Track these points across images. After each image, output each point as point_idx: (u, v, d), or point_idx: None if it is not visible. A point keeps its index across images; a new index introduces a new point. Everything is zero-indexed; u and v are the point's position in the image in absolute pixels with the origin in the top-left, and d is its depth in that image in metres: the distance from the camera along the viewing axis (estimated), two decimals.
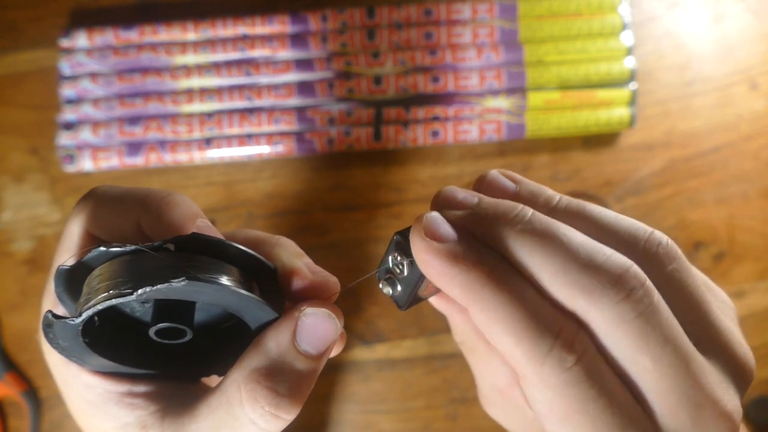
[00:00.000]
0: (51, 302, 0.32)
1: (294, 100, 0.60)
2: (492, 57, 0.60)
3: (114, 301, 0.26)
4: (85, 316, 0.26)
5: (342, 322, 0.30)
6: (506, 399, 0.36)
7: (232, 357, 0.30)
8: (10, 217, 0.61)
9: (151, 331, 0.29)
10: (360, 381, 0.58)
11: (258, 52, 0.60)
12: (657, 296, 0.25)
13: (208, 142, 0.59)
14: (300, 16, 0.61)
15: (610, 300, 0.25)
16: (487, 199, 0.28)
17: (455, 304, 0.33)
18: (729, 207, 0.60)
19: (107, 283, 0.26)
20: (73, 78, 0.60)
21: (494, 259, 0.26)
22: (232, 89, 0.60)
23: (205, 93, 0.60)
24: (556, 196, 0.30)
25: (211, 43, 0.60)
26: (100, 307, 0.26)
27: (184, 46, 0.60)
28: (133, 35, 0.60)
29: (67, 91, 0.60)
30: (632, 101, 0.59)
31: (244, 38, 0.61)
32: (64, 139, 0.59)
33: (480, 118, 0.59)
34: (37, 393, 0.59)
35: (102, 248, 0.27)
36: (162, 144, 0.59)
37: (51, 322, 0.27)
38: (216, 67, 0.60)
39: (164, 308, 0.29)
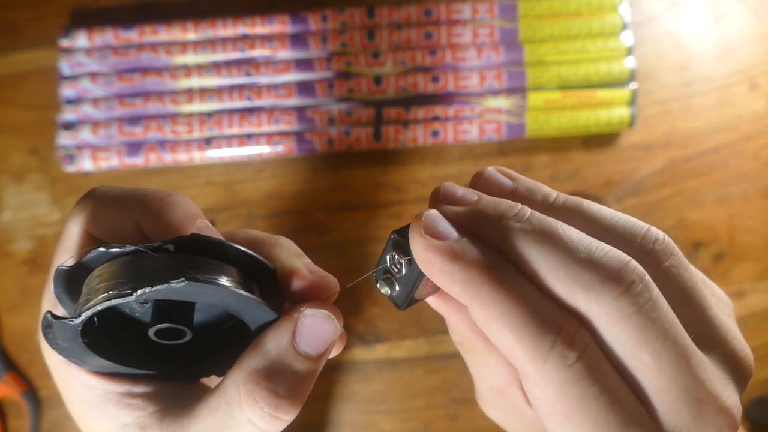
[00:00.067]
0: (50, 302, 0.32)
1: (294, 100, 0.60)
2: (492, 57, 0.60)
3: (113, 302, 0.26)
4: (84, 316, 0.26)
5: (341, 323, 0.30)
6: (505, 399, 0.35)
7: (231, 358, 0.30)
8: (10, 217, 0.61)
9: (151, 332, 0.29)
10: (360, 381, 0.58)
11: (258, 52, 0.60)
12: (656, 291, 0.25)
13: (208, 142, 0.59)
14: (300, 16, 0.61)
15: (609, 294, 0.25)
16: (487, 198, 0.28)
17: (453, 304, 0.33)
18: (729, 207, 0.60)
19: (107, 284, 0.26)
20: (73, 78, 0.60)
21: (494, 257, 0.26)
22: (232, 89, 0.60)
23: (205, 93, 0.60)
24: (553, 193, 0.30)
25: (211, 43, 0.60)
26: (99, 307, 0.26)
27: (184, 46, 0.60)
28: (133, 35, 0.60)
29: (67, 91, 0.60)
30: (632, 101, 0.59)
31: (244, 38, 0.61)
32: (64, 139, 0.59)
33: (480, 118, 0.59)
34: (37, 393, 0.59)
35: (101, 249, 0.27)
36: (162, 144, 0.59)
37: (50, 323, 0.27)
38: (216, 67, 0.60)
39: (164, 309, 0.29)
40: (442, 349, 0.58)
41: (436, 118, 0.59)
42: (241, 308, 0.29)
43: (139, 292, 0.25)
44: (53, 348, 0.29)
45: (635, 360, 0.25)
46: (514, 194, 0.30)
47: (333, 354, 0.32)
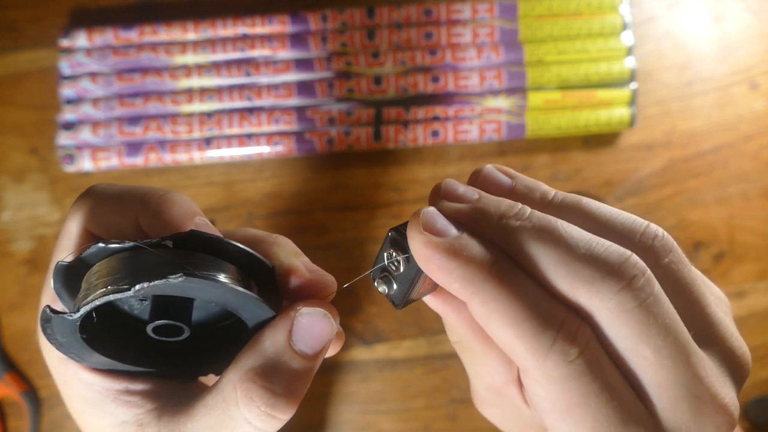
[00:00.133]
0: (49, 299, 0.32)
1: (294, 100, 0.60)
2: (492, 57, 0.60)
3: (112, 297, 0.26)
4: (83, 311, 0.26)
5: (338, 322, 0.30)
6: (502, 398, 0.35)
7: (229, 356, 0.30)
8: (10, 217, 0.61)
9: (149, 328, 0.29)
10: (360, 381, 0.58)
11: (258, 52, 0.60)
12: (658, 286, 0.25)
13: (208, 142, 0.59)
14: (300, 16, 0.61)
15: (610, 289, 0.25)
16: (488, 196, 0.28)
17: (451, 303, 0.33)
18: (729, 207, 0.60)
19: (105, 279, 0.26)
20: (73, 78, 0.60)
21: (494, 253, 0.26)
22: (232, 89, 0.60)
23: (205, 93, 0.60)
24: (551, 191, 0.30)
25: (211, 43, 0.60)
26: (98, 302, 0.26)
27: (184, 46, 0.60)
28: (133, 35, 0.61)
29: (67, 91, 0.60)
30: (632, 101, 0.59)
31: (244, 38, 0.61)
32: (64, 139, 0.59)
33: (480, 118, 0.59)
34: (37, 393, 0.59)
35: (101, 245, 0.27)
36: (162, 144, 0.59)
37: (49, 317, 0.27)
38: (216, 67, 0.60)
39: (162, 305, 0.29)
40: (442, 349, 0.58)
41: (436, 118, 0.59)
42: (238, 305, 0.29)
43: (138, 287, 0.25)
44: (52, 343, 0.29)
45: (636, 355, 0.25)
46: (513, 192, 0.30)
47: (331, 353, 0.32)
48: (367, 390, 0.58)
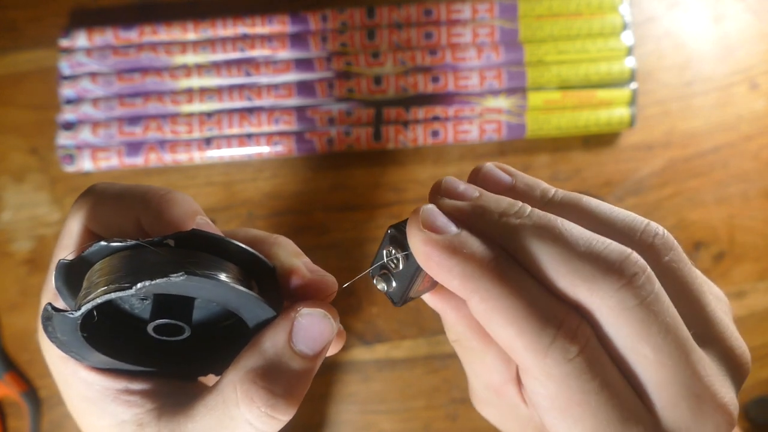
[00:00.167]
0: (50, 297, 0.32)
1: (294, 100, 0.60)
2: (492, 57, 0.60)
3: (113, 295, 0.26)
4: (84, 309, 0.26)
5: (338, 322, 0.30)
6: (500, 397, 0.35)
7: (229, 356, 0.30)
8: (10, 217, 0.61)
9: (150, 327, 0.29)
10: (360, 381, 0.58)
11: (258, 52, 0.60)
12: (658, 285, 0.25)
13: (208, 142, 0.59)
14: (300, 16, 0.61)
15: (611, 287, 0.25)
16: (489, 194, 0.28)
17: (450, 301, 0.33)
18: (729, 207, 0.60)
19: (107, 278, 0.26)
20: (73, 78, 0.60)
21: (494, 251, 0.26)
22: (232, 89, 0.60)
23: (205, 93, 0.60)
24: (551, 189, 0.30)
25: (211, 43, 0.60)
26: (99, 300, 0.26)
27: (184, 46, 0.60)
28: (133, 35, 0.61)
29: (67, 91, 0.60)
30: (632, 101, 0.59)
31: (244, 38, 0.61)
32: (64, 139, 0.59)
33: (480, 118, 0.59)
34: (37, 393, 0.59)
35: (102, 243, 0.27)
36: (162, 144, 0.59)
37: (50, 315, 0.27)
38: (216, 67, 0.60)
39: (163, 304, 0.29)
40: (442, 349, 0.58)
41: (436, 118, 0.59)
42: (239, 305, 0.29)
43: (139, 285, 0.25)
44: (52, 341, 0.29)
45: (636, 354, 0.25)
46: (513, 190, 0.30)
47: (332, 352, 0.32)
48: (367, 390, 0.58)
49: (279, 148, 0.59)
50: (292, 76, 0.60)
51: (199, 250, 0.28)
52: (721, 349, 0.27)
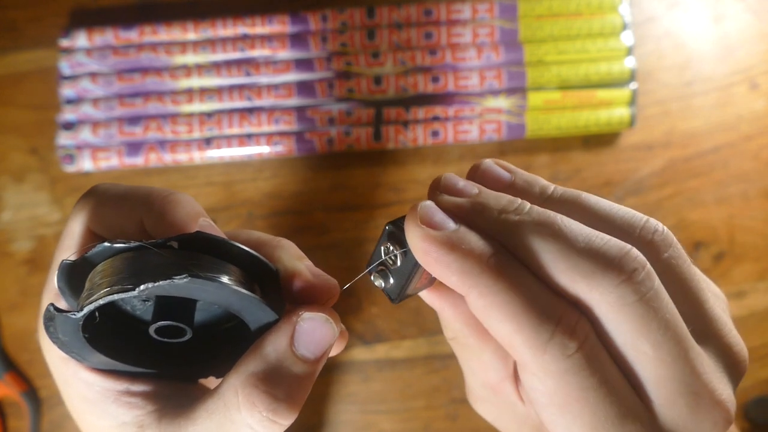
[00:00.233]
0: (51, 297, 0.32)
1: (294, 100, 0.60)
2: (492, 57, 0.60)
3: (116, 296, 0.26)
4: (86, 310, 0.26)
5: (339, 326, 0.30)
6: (497, 395, 0.35)
7: (230, 359, 0.30)
8: (10, 217, 0.61)
9: (152, 329, 0.29)
10: (360, 381, 0.58)
11: (258, 52, 0.60)
12: (658, 281, 0.25)
13: (208, 142, 0.59)
14: (300, 16, 0.61)
15: (611, 282, 0.25)
16: (488, 191, 0.28)
17: (447, 297, 0.33)
18: (729, 207, 0.60)
19: (109, 279, 0.26)
20: (73, 78, 0.60)
21: (492, 246, 0.26)
22: (232, 89, 0.60)
23: (205, 93, 0.60)
24: (550, 185, 0.30)
25: (211, 43, 0.60)
26: (101, 301, 0.26)
27: (184, 46, 0.60)
28: (133, 35, 0.60)
29: (67, 91, 0.60)
30: (632, 101, 0.59)
31: (244, 38, 0.61)
32: (64, 139, 0.59)
33: (480, 118, 0.59)
34: (37, 393, 0.59)
35: (106, 244, 0.27)
36: (162, 144, 0.59)
37: (53, 315, 0.27)
38: (216, 67, 0.60)
39: (165, 306, 0.29)
40: (442, 349, 0.58)
41: (436, 118, 0.59)
42: (242, 308, 0.29)
43: (142, 287, 0.25)
44: (54, 342, 0.29)
45: (635, 350, 0.25)
46: (512, 187, 0.30)
47: (334, 352, 0.32)
48: (367, 390, 0.58)
49: (279, 148, 0.59)
50: (292, 76, 0.60)
51: (202, 253, 0.28)
52: (720, 346, 0.27)
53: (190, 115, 0.59)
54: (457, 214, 0.27)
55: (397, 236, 0.29)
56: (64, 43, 0.61)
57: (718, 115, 0.61)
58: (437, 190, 0.29)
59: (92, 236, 0.32)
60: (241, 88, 0.60)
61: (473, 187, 0.28)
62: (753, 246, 0.60)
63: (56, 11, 0.63)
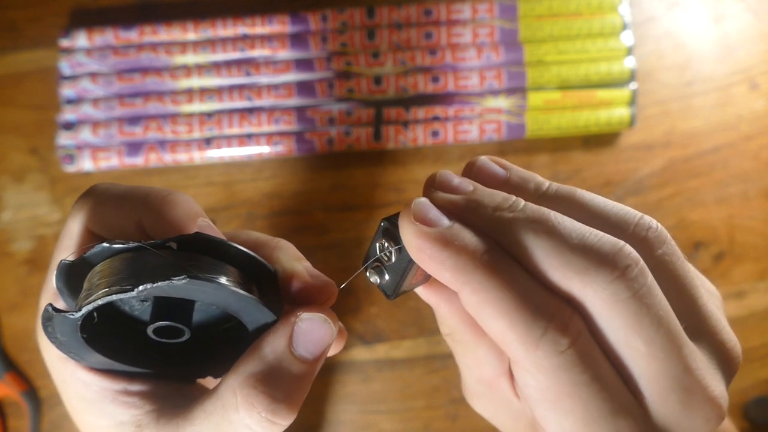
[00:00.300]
0: (50, 297, 0.32)
1: (294, 100, 0.60)
2: (492, 57, 0.60)
3: (114, 297, 0.26)
4: (84, 310, 0.26)
5: (337, 327, 0.30)
6: (493, 391, 0.35)
7: (228, 360, 0.30)
8: (10, 217, 0.61)
9: (150, 329, 0.29)
10: (360, 381, 0.58)
11: (258, 52, 0.60)
12: (651, 277, 0.25)
13: (208, 142, 0.59)
14: (300, 16, 0.61)
15: (604, 279, 0.25)
16: (483, 188, 0.28)
17: (443, 294, 0.33)
18: (729, 207, 0.60)
19: (108, 279, 0.26)
20: (73, 78, 0.60)
21: (485, 243, 0.26)
22: (232, 89, 0.60)
23: (205, 93, 0.60)
24: (546, 182, 0.30)
25: (211, 43, 0.60)
26: (100, 302, 0.26)
27: (184, 46, 0.60)
28: (133, 35, 0.60)
29: (67, 91, 0.60)
30: (632, 101, 0.59)
31: (244, 38, 0.61)
32: (64, 139, 0.59)
33: (480, 118, 0.59)
34: (37, 393, 0.59)
35: (104, 244, 0.27)
36: (162, 144, 0.59)
37: (51, 315, 0.27)
38: (216, 67, 0.60)
39: (163, 307, 0.29)
40: (442, 349, 0.58)
41: (436, 118, 0.59)
42: (240, 308, 0.29)
43: (141, 287, 0.25)
44: (52, 341, 0.29)
45: (628, 346, 0.25)
46: (507, 183, 0.30)
47: (333, 351, 0.32)
48: (367, 390, 0.58)
49: (279, 148, 0.59)
50: (292, 76, 0.60)
51: (200, 253, 0.28)
52: (713, 342, 0.28)
53: (190, 115, 0.59)
54: (451, 211, 0.27)
55: (391, 233, 0.29)
56: (64, 43, 0.61)
57: (718, 115, 0.61)
58: (432, 187, 0.29)
59: (91, 236, 0.32)
60: (241, 88, 0.60)
61: (468, 185, 0.28)
62: (753, 246, 0.60)
63: (56, 11, 0.63)
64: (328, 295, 0.32)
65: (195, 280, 0.26)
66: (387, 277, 0.30)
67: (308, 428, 0.58)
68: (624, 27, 0.60)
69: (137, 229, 0.31)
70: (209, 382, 0.35)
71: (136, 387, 0.32)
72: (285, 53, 0.60)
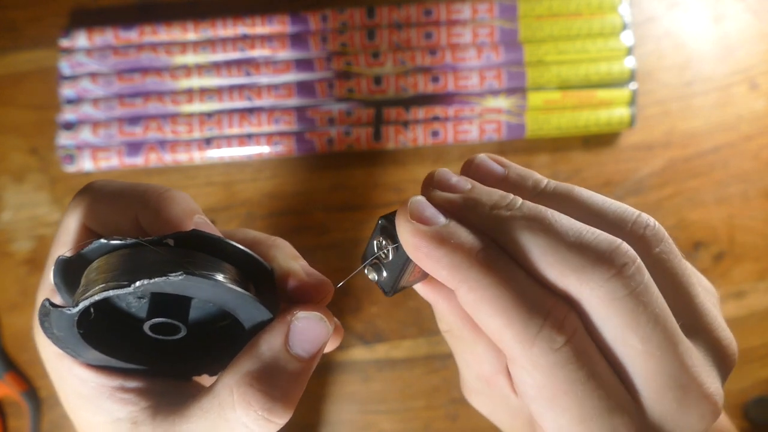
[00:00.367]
0: (47, 293, 0.33)
1: (294, 100, 0.60)
2: (492, 57, 0.60)
3: (111, 293, 0.26)
4: (81, 306, 0.26)
5: (333, 325, 0.30)
6: (491, 388, 0.35)
7: (224, 357, 0.30)
8: (10, 217, 0.61)
9: (146, 326, 0.29)
10: (360, 381, 0.58)
11: (258, 52, 0.60)
12: (648, 275, 0.25)
13: (208, 142, 0.59)
14: (300, 16, 0.61)
15: (601, 276, 0.25)
16: (481, 186, 0.28)
17: (441, 291, 0.33)
18: (729, 207, 0.60)
19: (105, 275, 0.26)
20: (73, 78, 0.60)
21: (482, 241, 0.26)
22: (232, 89, 0.60)
23: (205, 93, 0.60)
24: (544, 179, 0.30)
25: (211, 43, 0.60)
26: (97, 297, 0.26)
27: (184, 46, 0.60)
28: (133, 35, 0.61)
29: (67, 91, 0.60)
30: (632, 101, 0.59)
31: (244, 38, 0.61)
32: (64, 139, 0.59)
33: (480, 118, 0.59)
34: (37, 393, 0.59)
35: (102, 241, 0.27)
36: (162, 144, 0.59)
37: (48, 311, 0.27)
38: (216, 67, 0.60)
39: (160, 303, 0.29)
40: (442, 349, 0.58)
41: (436, 118, 0.59)
42: (236, 306, 0.29)
43: (137, 283, 0.25)
44: (48, 337, 0.29)
45: (624, 344, 0.25)
46: (506, 181, 0.30)
47: (329, 349, 0.32)
48: (367, 390, 0.58)
49: (279, 148, 0.59)
50: (292, 76, 0.60)
51: (197, 251, 0.28)
52: (709, 340, 0.28)
53: (190, 115, 0.60)
54: (448, 209, 0.27)
55: (389, 231, 0.29)
56: (64, 43, 0.61)
57: (718, 115, 0.61)
58: (430, 185, 0.29)
59: (88, 233, 0.33)
60: (241, 88, 0.60)
61: (466, 183, 0.28)
62: (753, 246, 0.59)
63: (56, 11, 0.63)
64: (324, 293, 0.32)
65: (191, 276, 0.26)
66: (385, 274, 0.30)
67: (308, 428, 0.58)
68: (624, 27, 0.60)
69: (134, 225, 0.31)
70: (205, 379, 0.35)
71: (132, 384, 0.32)
72: (285, 53, 0.61)
